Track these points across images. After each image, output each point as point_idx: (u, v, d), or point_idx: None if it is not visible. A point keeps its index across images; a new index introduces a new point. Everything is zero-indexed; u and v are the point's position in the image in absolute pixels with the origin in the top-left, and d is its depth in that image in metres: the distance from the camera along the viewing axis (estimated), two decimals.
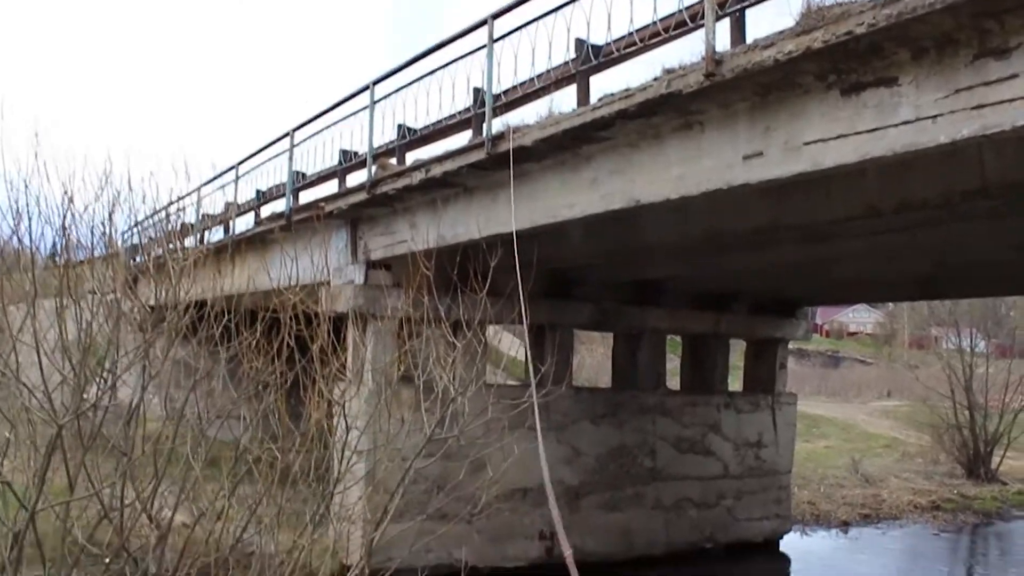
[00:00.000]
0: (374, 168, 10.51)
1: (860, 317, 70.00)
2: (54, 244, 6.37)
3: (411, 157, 10.28)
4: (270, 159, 14.14)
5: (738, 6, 6.18)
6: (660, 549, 13.89)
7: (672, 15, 6.69)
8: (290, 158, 12.97)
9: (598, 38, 7.48)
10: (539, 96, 8.29)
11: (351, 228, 11.90)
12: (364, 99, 10.70)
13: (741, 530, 15.43)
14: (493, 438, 7.51)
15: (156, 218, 7.38)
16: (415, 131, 10.13)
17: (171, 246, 6.73)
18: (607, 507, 13.06)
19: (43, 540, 5.21)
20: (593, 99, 7.41)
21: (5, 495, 5.33)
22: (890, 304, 56.27)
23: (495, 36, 8.26)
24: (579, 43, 7.63)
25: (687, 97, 6.33)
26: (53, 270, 6.15)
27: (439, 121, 9.60)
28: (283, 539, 6.00)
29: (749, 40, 5.96)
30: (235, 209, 15.16)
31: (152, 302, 6.24)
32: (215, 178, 15.23)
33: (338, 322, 8.89)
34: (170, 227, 7.41)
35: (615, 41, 7.31)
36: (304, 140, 12.77)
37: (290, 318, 6.06)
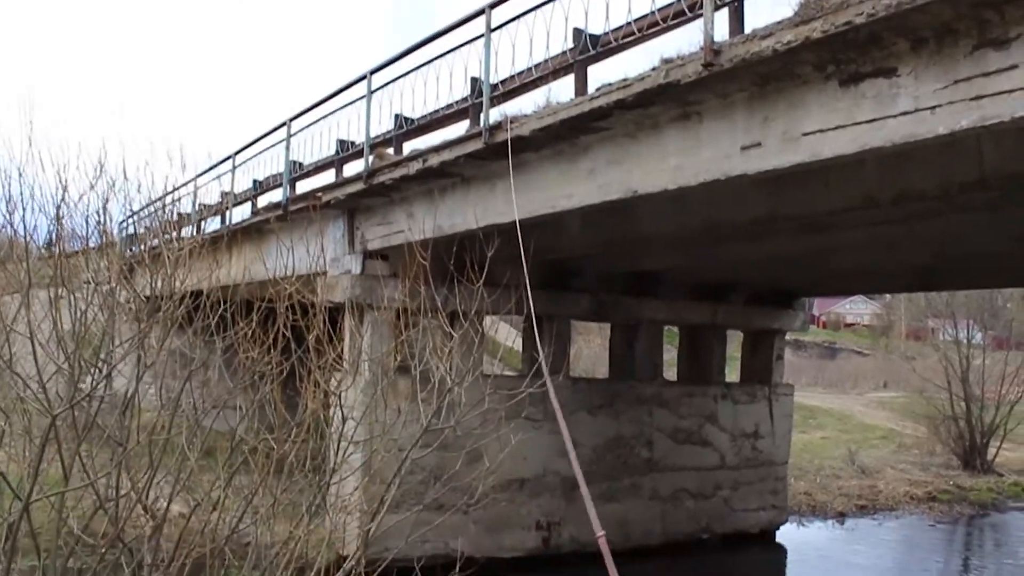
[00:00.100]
0: (371, 158, 10.47)
1: (857, 308, 70.04)
2: (49, 234, 6.34)
3: (408, 147, 10.25)
4: (267, 149, 14.12)
5: None
6: (657, 540, 13.91)
7: (670, 4, 6.65)
8: (287, 148, 12.93)
9: (596, 28, 7.45)
10: (537, 86, 8.26)
11: (348, 218, 11.88)
12: (361, 88, 10.66)
13: (738, 521, 15.47)
14: (490, 429, 7.50)
15: (152, 208, 7.36)
16: (412, 121, 10.10)
17: (167, 236, 6.70)
18: (604, 498, 13.06)
19: (38, 531, 5.19)
20: (591, 89, 7.38)
21: (0, 486, 5.31)
22: (887, 295, 56.37)
23: (493, 25, 8.22)
24: (577, 33, 7.59)
25: (685, 87, 6.30)
26: (48, 260, 6.12)
27: (436, 111, 9.56)
28: (279, 530, 5.98)
29: (748, 30, 5.92)
30: (232, 199, 15.13)
31: (148, 292, 6.21)
32: (212, 168, 15.21)
33: (334, 312, 8.87)
34: (166, 217, 7.38)
35: (613, 31, 7.27)
36: (301, 130, 12.73)
37: (286, 308, 6.04)
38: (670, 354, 18.73)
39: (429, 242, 8.34)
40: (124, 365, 5.87)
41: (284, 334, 6.02)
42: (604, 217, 9.17)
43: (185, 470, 5.76)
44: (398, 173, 9.84)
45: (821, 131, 5.79)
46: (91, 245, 6.56)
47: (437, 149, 9.16)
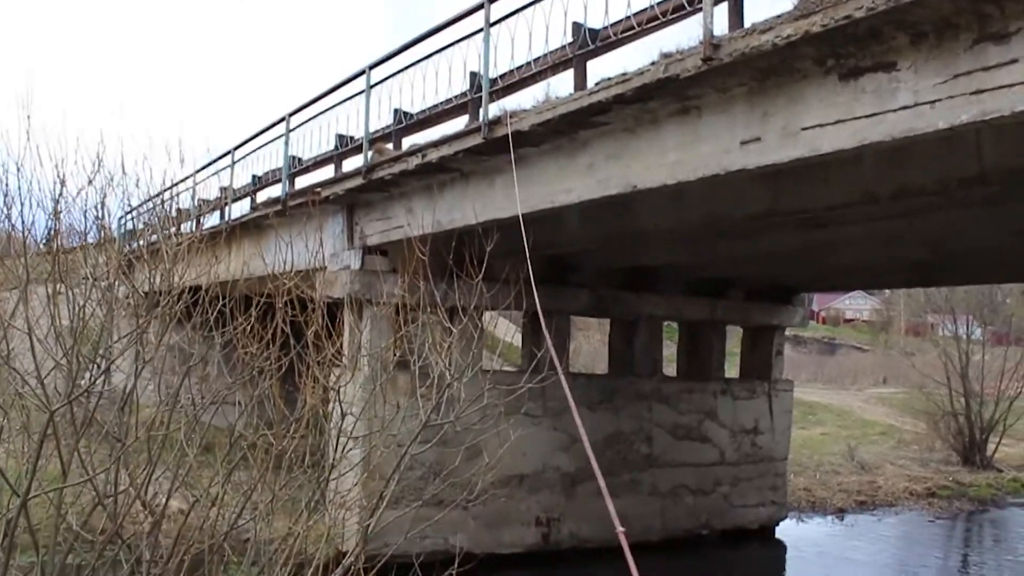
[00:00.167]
0: (370, 153, 10.46)
1: (857, 304, 70.07)
2: (47, 229, 6.32)
3: (407, 142, 10.23)
4: (266, 144, 14.10)
5: None
6: (656, 536, 13.92)
7: None
8: (286, 143, 12.91)
9: (595, 22, 7.44)
10: (536, 81, 8.24)
11: (347, 213, 11.86)
12: (360, 83, 10.64)
13: (737, 517, 15.48)
14: (489, 424, 7.49)
15: (151, 203, 7.34)
16: (411, 116, 10.08)
17: (165, 231, 6.69)
18: (603, 494, 13.05)
19: (37, 527, 5.19)
20: (590, 84, 7.36)
21: None
22: (887, 291, 56.33)
23: (492, 20, 8.20)
24: (576, 27, 7.57)
25: (684, 82, 6.29)
26: (46, 255, 6.10)
27: (436, 106, 9.54)
28: (278, 526, 5.98)
29: (747, 24, 5.90)
30: (231, 194, 15.11)
31: (146, 287, 6.20)
32: (211, 163, 15.18)
33: (333, 308, 8.86)
34: (164, 212, 7.37)
35: (612, 25, 7.25)
36: (300, 125, 12.71)
37: (285, 303, 6.03)
38: (669, 350, 18.75)
39: (428, 237, 8.33)
40: (123, 361, 5.85)
41: (283, 330, 6.01)
42: (603, 212, 9.16)
43: (184, 466, 5.75)
44: (397, 168, 9.83)
45: (820, 125, 5.78)
46: (89, 240, 6.54)
47: (436, 144, 9.15)
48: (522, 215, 8.53)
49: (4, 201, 5.98)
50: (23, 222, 6.05)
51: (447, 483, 7.45)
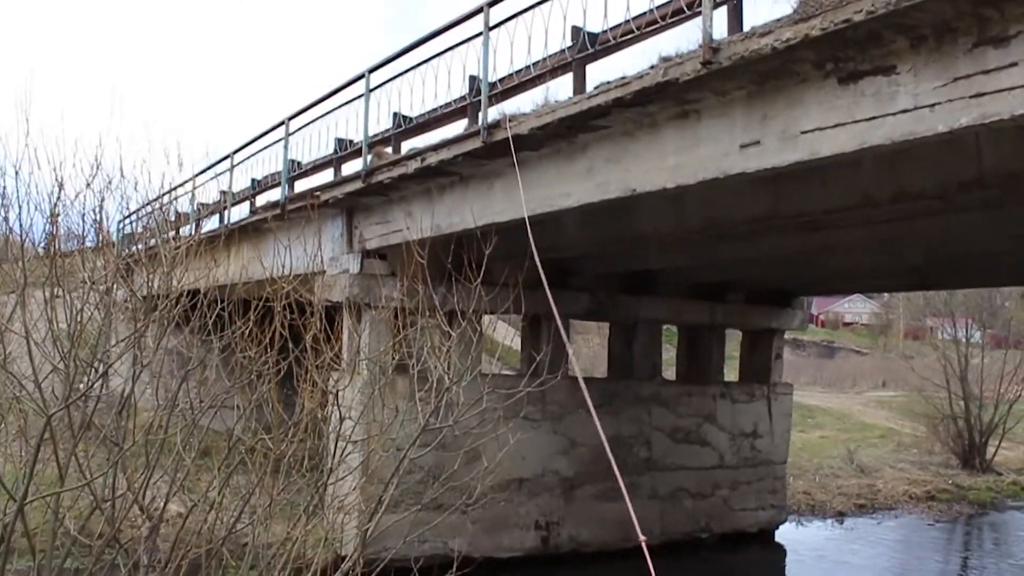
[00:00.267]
0: (370, 157, 10.45)
1: (856, 307, 70.07)
2: (45, 232, 6.32)
3: (407, 146, 10.23)
4: (265, 147, 14.11)
5: None
6: (655, 539, 13.85)
7: (669, 2, 6.64)
8: (285, 146, 12.91)
9: (595, 26, 7.43)
10: (535, 84, 8.24)
11: (347, 217, 11.86)
12: (360, 87, 10.63)
13: (736, 520, 15.46)
14: (488, 428, 7.48)
15: (150, 207, 7.33)
16: (411, 119, 10.08)
17: (164, 235, 6.68)
18: (603, 497, 13.05)
19: (34, 531, 5.17)
20: (589, 88, 7.36)
21: None
22: (886, 295, 56.39)
23: (491, 24, 8.20)
24: (575, 31, 7.57)
25: (684, 85, 6.28)
26: (43, 259, 6.09)
27: (435, 109, 9.54)
28: (277, 530, 5.96)
29: (747, 28, 5.91)
30: (230, 198, 15.11)
31: (145, 291, 6.19)
32: (210, 167, 15.19)
33: (332, 311, 8.85)
34: (163, 216, 7.36)
35: (611, 29, 7.25)
36: (300, 128, 12.71)
37: (283, 307, 6.02)
38: (669, 353, 18.74)
39: (427, 241, 8.31)
40: (121, 364, 5.84)
41: (281, 333, 6.00)
42: (602, 216, 9.16)
43: (182, 470, 5.73)
44: (396, 172, 9.82)
45: (820, 129, 5.77)
46: (88, 244, 6.53)
47: (435, 148, 9.14)
48: (521, 219, 8.54)
49: (2, 204, 5.97)
50: (21, 225, 6.04)
51: (446, 487, 7.44)
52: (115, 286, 6.26)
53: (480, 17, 8.27)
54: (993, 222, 8.86)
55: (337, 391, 6.40)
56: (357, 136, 10.96)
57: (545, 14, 7.62)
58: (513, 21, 8.01)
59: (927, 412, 24.04)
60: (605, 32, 7.33)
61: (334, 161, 11.88)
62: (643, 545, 3.29)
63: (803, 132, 5.89)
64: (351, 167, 11.33)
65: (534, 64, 8.01)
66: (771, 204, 8.32)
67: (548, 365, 7.73)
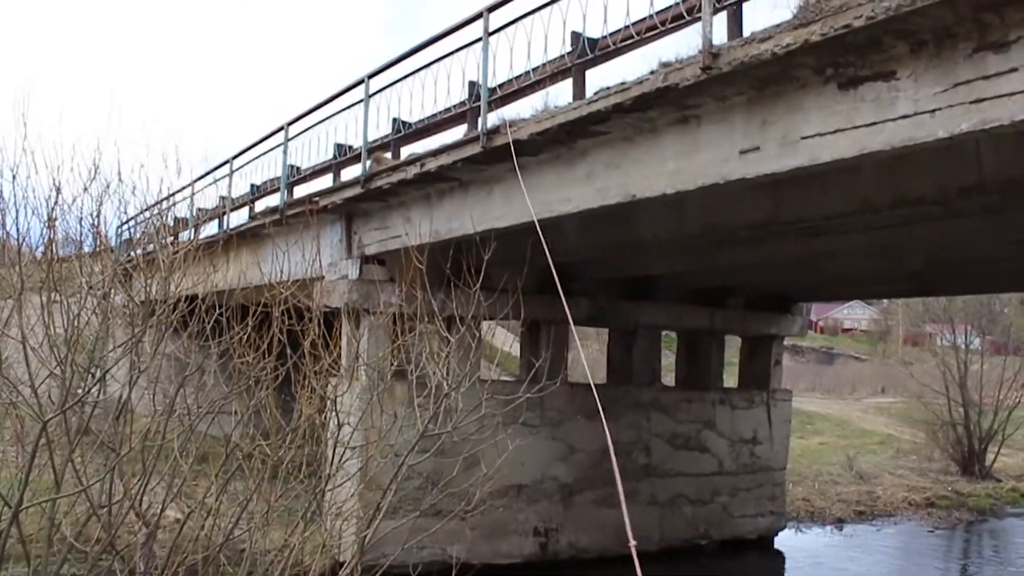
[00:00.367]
0: (369, 162, 10.44)
1: (855, 314, 70.07)
2: (42, 237, 6.29)
3: (406, 151, 10.22)
4: (265, 153, 14.11)
5: None
6: (654, 545, 13.86)
7: (669, 8, 6.63)
8: (284, 152, 12.91)
9: (594, 31, 7.42)
10: (535, 90, 8.23)
11: (345, 222, 11.84)
12: (359, 93, 10.63)
13: (736, 527, 15.41)
14: (487, 434, 7.46)
15: (148, 212, 7.32)
16: (410, 125, 10.07)
17: (162, 240, 6.66)
18: (601, 503, 13.02)
19: (29, 537, 5.14)
20: (589, 93, 7.35)
21: None
22: (885, 301, 56.40)
23: (491, 29, 8.20)
24: (575, 36, 7.57)
25: (683, 91, 6.27)
26: (41, 263, 6.07)
27: (434, 115, 9.53)
28: (274, 536, 5.94)
29: (746, 33, 5.89)
30: (229, 203, 15.10)
31: (143, 296, 6.17)
32: (209, 172, 15.18)
33: (330, 317, 8.83)
34: (161, 221, 7.35)
35: (611, 34, 7.25)
36: (299, 134, 12.72)
37: (282, 312, 6.00)
38: (668, 359, 18.68)
39: (426, 247, 8.30)
40: (118, 370, 5.82)
41: (280, 339, 5.98)
42: (602, 221, 9.14)
43: (179, 476, 5.71)
44: (396, 177, 9.81)
45: (820, 135, 5.76)
46: (85, 248, 6.51)
47: (435, 153, 9.13)
48: (521, 224, 8.53)
49: None
50: (18, 230, 6.02)
51: (445, 493, 7.42)
52: (113, 291, 6.24)
53: (480, 22, 8.27)
54: (993, 228, 8.85)
55: (335, 397, 6.39)
56: (356, 141, 10.95)
57: (545, 19, 7.62)
58: (513, 26, 8.00)
59: (926, 418, 24.00)
60: (605, 37, 7.32)
61: (333, 166, 11.88)
62: (632, 550, 3.28)
63: (803, 138, 5.87)
64: (350, 172, 11.33)
65: (534, 69, 8.00)
66: (771, 210, 8.31)
67: (547, 371, 7.72)
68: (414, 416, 6.53)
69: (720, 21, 6.12)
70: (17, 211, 5.98)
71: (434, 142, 9.65)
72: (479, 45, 8.36)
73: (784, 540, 16.44)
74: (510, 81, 8.33)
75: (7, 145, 5.92)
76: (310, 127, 12.38)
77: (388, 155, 10.46)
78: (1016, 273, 12.09)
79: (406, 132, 10.15)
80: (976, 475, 22.41)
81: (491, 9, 8.14)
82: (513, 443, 7.72)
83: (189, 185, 14.64)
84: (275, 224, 12.38)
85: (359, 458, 6.98)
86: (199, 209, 15.33)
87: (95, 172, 6.11)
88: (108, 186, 6.27)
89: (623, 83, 6.73)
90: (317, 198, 11.43)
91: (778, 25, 5.50)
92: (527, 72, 8.06)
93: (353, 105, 10.98)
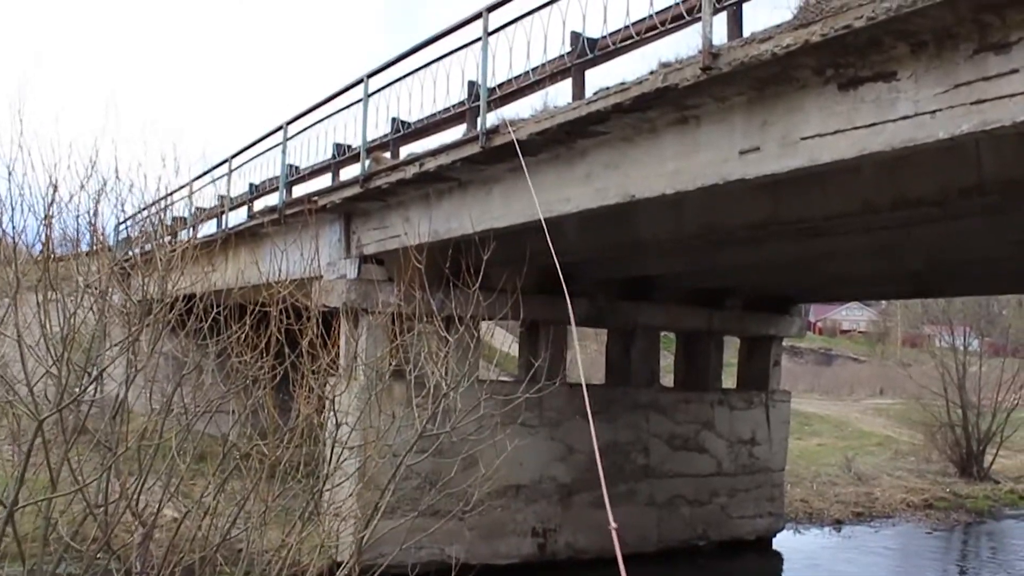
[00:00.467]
0: (368, 162, 10.43)
1: (853, 315, 70.07)
2: (38, 235, 6.27)
3: (405, 151, 10.21)
4: (263, 152, 14.10)
5: None
6: (653, 546, 13.85)
7: (669, 8, 6.62)
8: (283, 151, 12.90)
9: (594, 31, 7.41)
10: (534, 90, 8.22)
11: (344, 222, 11.83)
12: (358, 92, 10.62)
13: (734, 527, 15.41)
14: (485, 434, 7.44)
15: (146, 211, 7.30)
16: (409, 125, 10.06)
17: (160, 239, 6.64)
18: (600, 504, 12.98)
19: (24, 537, 5.12)
20: (588, 93, 7.33)
21: None
22: (883, 302, 56.40)
23: (490, 29, 8.18)
24: (575, 36, 7.55)
25: (683, 91, 6.26)
26: (37, 261, 6.05)
27: (433, 115, 9.52)
28: (272, 536, 5.92)
29: (746, 34, 5.88)
30: (228, 203, 15.08)
31: (140, 295, 6.15)
32: (207, 171, 15.15)
33: (329, 316, 8.81)
34: (159, 220, 7.32)
35: (611, 34, 7.24)
36: (298, 133, 12.70)
37: (280, 312, 5.98)
38: (667, 360, 18.68)
39: (425, 247, 8.28)
40: (115, 368, 5.80)
41: (278, 338, 5.97)
42: (601, 221, 9.13)
43: (176, 475, 5.69)
44: (395, 177, 9.80)
45: (820, 135, 5.75)
46: (82, 247, 6.49)
47: (434, 153, 9.12)
48: (519, 225, 8.53)
49: None
50: (14, 227, 6.00)
51: (443, 493, 7.40)
52: (110, 289, 6.22)
53: (479, 22, 8.25)
54: (993, 228, 8.84)
55: (334, 396, 6.37)
56: (355, 141, 10.94)
57: (544, 19, 7.61)
58: (512, 26, 7.99)
59: (925, 420, 24.02)
60: (604, 38, 7.31)
61: (332, 166, 11.86)
62: (613, 533, 3.25)
63: (803, 138, 5.86)
64: (349, 172, 11.31)
65: (533, 69, 7.99)
66: (771, 210, 8.30)
67: (546, 371, 7.70)
68: (412, 416, 6.51)
69: (720, 21, 6.11)
70: (13, 209, 5.97)
71: (433, 142, 9.65)
72: (478, 45, 8.35)
73: (782, 541, 16.44)
74: (509, 81, 8.31)
75: (3, 142, 5.90)
76: (309, 126, 12.38)
77: (387, 155, 10.45)
78: (1016, 274, 12.09)
79: (405, 132, 10.14)
80: (974, 477, 22.43)
81: (490, 9, 8.13)
82: (512, 443, 7.71)
83: (187, 184, 14.60)
84: (274, 223, 12.36)
85: (357, 458, 6.97)
86: (197, 208, 15.30)
87: (92, 170, 6.09)
88: (105, 184, 6.25)
89: (623, 83, 6.72)
90: (316, 197, 11.41)
91: (778, 25, 5.49)
92: (527, 72, 8.05)
93: (352, 105, 10.97)
